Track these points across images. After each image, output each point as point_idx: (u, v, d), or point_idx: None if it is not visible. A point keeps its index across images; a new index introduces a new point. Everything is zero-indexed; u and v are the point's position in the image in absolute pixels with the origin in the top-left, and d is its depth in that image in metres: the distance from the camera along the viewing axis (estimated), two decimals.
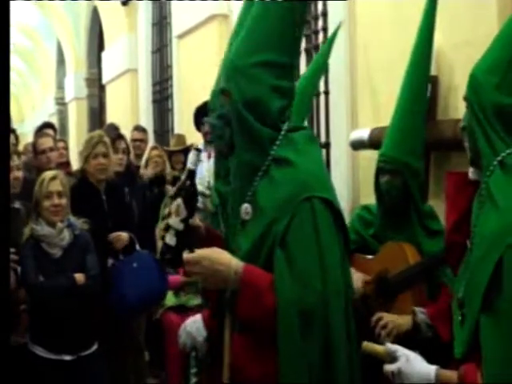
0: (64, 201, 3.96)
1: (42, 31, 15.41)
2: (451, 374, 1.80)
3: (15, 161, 4.30)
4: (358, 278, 2.90)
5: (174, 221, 2.23)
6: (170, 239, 2.23)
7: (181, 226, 2.22)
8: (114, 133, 6.00)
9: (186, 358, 2.76)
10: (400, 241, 2.96)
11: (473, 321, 1.80)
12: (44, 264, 3.86)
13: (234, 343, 2.11)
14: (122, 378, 4.81)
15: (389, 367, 1.87)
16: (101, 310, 4.19)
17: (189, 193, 2.25)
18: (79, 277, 3.89)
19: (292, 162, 2.09)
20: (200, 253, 2.06)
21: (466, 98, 1.98)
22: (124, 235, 4.51)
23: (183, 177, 2.30)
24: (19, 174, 4.28)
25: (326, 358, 1.99)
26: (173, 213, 2.24)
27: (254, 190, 2.12)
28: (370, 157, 4.12)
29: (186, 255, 2.09)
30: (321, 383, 1.99)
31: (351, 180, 4.32)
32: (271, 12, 2.15)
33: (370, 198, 4.11)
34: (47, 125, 6.73)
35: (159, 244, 5.09)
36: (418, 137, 3.10)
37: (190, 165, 2.31)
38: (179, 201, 2.23)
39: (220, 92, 2.20)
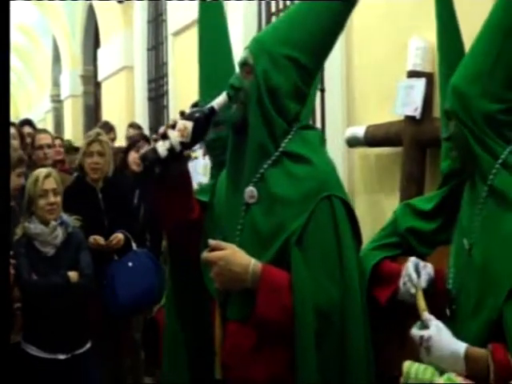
0: (59, 198, 3.93)
1: (38, 28, 15.37)
2: (480, 352, 1.81)
3: (24, 168, 4.26)
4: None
5: (176, 138, 2.05)
6: (162, 150, 2.05)
7: (178, 148, 2.06)
8: (111, 132, 5.97)
9: None
10: None
11: (492, 313, 1.83)
12: (37, 262, 3.82)
13: (226, 341, 2.10)
14: (119, 376, 4.80)
15: (418, 332, 1.89)
16: (96, 309, 4.17)
17: (201, 123, 2.09)
18: (73, 275, 3.85)
19: (310, 161, 2.07)
20: (216, 253, 2.02)
21: (449, 111, 2.00)
22: (120, 236, 4.48)
23: (204, 109, 2.11)
24: (21, 181, 4.21)
25: (343, 357, 1.97)
26: (177, 130, 2.06)
27: (260, 176, 2.08)
28: (366, 154, 4.11)
29: (203, 255, 2.04)
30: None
31: (347, 177, 4.31)
32: (319, 13, 2.11)
33: (365, 196, 4.10)
34: (26, 122, 6.65)
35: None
36: None
37: (215, 103, 2.11)
38: (189, 124, 2.06)
39: (242, 64, 2.13)
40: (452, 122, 2.01)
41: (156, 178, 2.14)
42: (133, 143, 5.47)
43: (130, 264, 4.40)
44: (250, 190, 2.08)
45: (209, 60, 2.72)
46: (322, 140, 2.21)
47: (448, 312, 1.97)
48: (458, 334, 1.88)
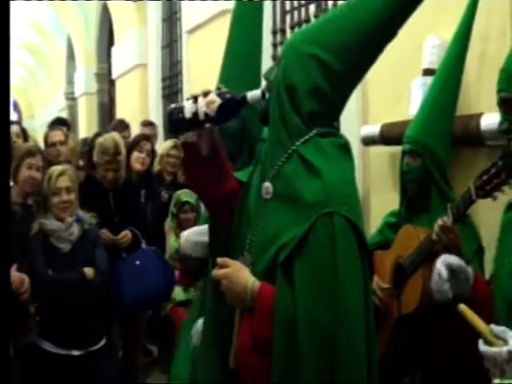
0: (73, 196, 3.95)
1: (52, 26, 15.43)
2: None
3: (39, 162, 4.26)
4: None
5: (202, 107, 2.10)
6: (188, 111, 2.11)
7: (202, 116, 2.11)
8: (126, 130, 6.01)
9: None
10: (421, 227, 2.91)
11: None
12: (53, 258, 3.84)
13: (242, 331, 2.10)
14: (130, 374, 4.85)
15: (501, 348, 1.74)
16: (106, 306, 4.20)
17: (228, 105, 2.11)
18: (88, 271, 3.87)
19: (319, 172, 1.99)
20: (221, 272, 2.05)
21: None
22: (129, 234, 4.51)
23: (237, 94, 2.13)
24: (38, 175, 4.21)
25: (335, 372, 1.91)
26: (206, 100, 2.10)
27: (276, 172, 2.05)
28: (381, 152, 4.10)
29: (212, 272, 2.09)
30: None
31: (362, 176, 4.30)
32: (354, 15, 2.05)
33: (380, 194, 4.10)
34: (59, 120, 6.71)
35: (168, 242, 5.10)
36: (443, 126, 3.11)
37: (249, 94, 2.11)
38: (218, 100, 2.09)
39: (276, 56, 2.13)
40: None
41: (187, 149, 2.20)
42: (135, 143, 5.51)
43: (138, 262, 4.43)
44: (266, 186, 2.07)
45: (235, 59, 2.71)
46: (344, 147, 2.11)
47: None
48: None
